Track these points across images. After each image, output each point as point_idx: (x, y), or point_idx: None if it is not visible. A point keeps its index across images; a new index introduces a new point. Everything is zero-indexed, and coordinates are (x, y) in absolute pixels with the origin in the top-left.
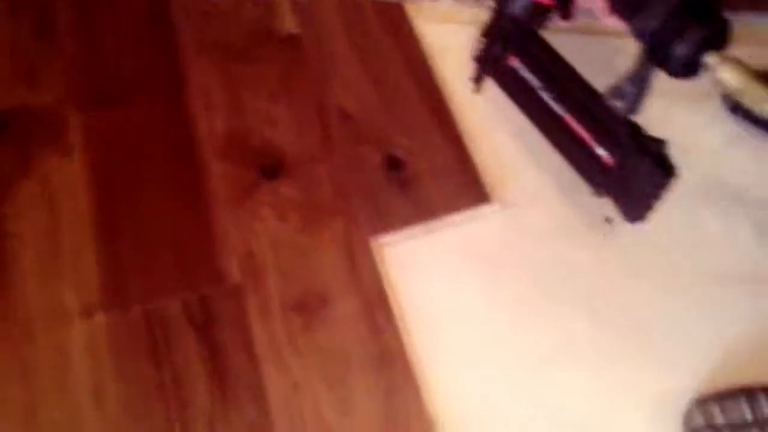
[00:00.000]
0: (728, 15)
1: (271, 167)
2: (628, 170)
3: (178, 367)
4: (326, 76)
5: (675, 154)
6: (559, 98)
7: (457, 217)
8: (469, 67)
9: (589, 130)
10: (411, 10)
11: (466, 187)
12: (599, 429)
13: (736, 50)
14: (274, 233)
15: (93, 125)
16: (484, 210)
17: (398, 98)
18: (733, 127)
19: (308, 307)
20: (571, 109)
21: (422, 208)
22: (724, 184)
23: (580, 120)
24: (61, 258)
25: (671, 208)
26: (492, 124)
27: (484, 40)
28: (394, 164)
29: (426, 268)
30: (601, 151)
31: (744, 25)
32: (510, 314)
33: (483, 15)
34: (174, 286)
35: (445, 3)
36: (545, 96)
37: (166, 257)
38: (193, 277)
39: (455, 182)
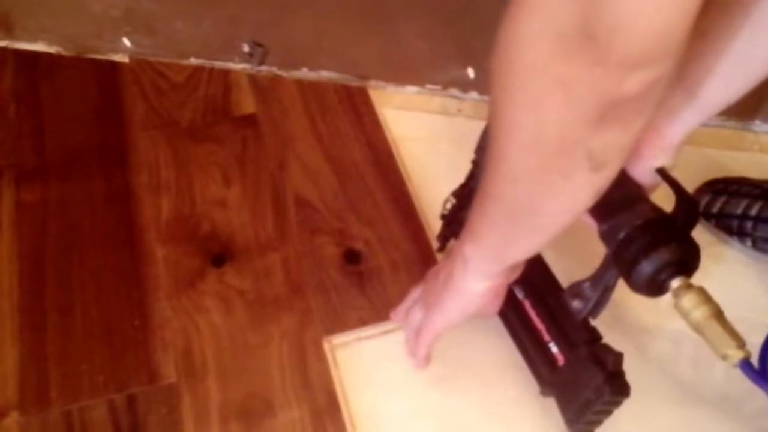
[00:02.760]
0: (740, 124)
1: (218, 254)
2: (578, 377)
3: None
4: (284, 160)
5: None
6: (520, 281)
7: None
8: (433, 157)
9: (545, 322)
10: (375, 95)
11: None
12: None
13: (744, 156)
14: (218, 327)
15: (26, 199)
16: None
17: (359, 187)
18: None
19: (251, 413)
20: (530, 295)
21: (380, 306)
22: None
23: (538, 309)
24: None
25: None
26: None
27: (454, 201)
28: (352, 257)
29: (382, 372)
30: (553, 348)
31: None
32: (470, 428)
33: (449, 104)
34: (101, 383)
35: (410, 90)
36: None
37: (96, 350)
38: (123, 375)
39: (416, 279)
